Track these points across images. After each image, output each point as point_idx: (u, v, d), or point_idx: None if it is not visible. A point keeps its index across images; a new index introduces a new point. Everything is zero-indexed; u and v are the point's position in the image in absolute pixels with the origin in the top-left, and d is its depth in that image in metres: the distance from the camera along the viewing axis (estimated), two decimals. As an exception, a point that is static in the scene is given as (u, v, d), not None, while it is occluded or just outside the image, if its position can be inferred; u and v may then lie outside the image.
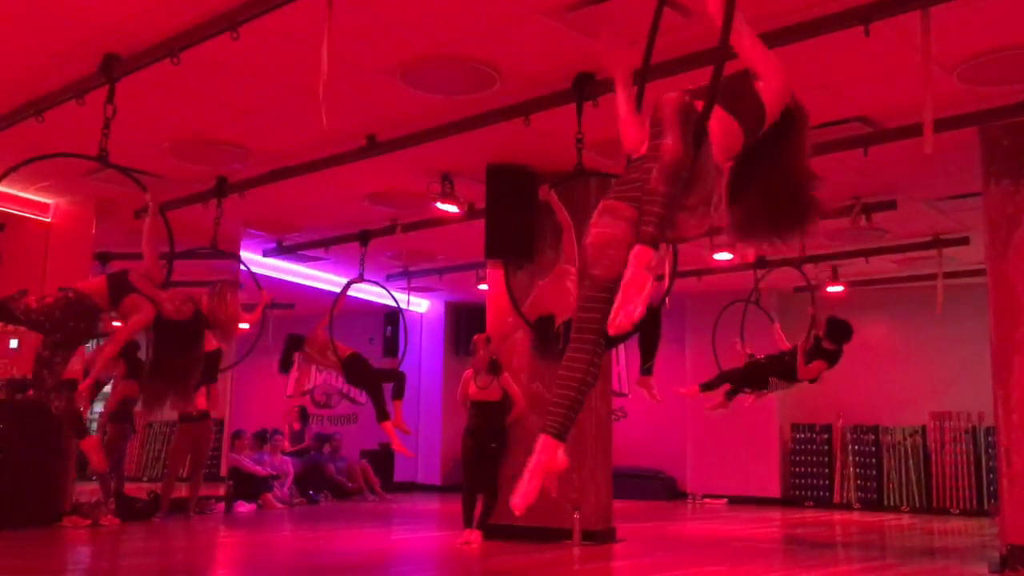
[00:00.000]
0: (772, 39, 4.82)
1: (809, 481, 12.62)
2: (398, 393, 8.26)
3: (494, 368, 7.42)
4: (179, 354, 5.44)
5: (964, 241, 9.33)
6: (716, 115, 2.56)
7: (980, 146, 6.44)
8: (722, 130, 2.60)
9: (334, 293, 8.99)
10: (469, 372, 7.57)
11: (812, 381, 8.17)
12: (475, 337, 7.66)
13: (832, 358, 7.84)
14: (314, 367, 14.59)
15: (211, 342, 7.90)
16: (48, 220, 8.88)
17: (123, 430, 9.16)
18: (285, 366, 8.79)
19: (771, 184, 2.81)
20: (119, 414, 9.09)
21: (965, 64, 5.49)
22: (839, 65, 5.56)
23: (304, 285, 11.88)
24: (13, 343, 8.76)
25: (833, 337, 7.83)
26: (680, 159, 2.30)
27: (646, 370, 6.20)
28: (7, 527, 7.41)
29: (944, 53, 5.21)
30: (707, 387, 9.29)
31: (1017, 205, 6.21)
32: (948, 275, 9.81)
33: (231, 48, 5.05)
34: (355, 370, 8.33)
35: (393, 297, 9.45)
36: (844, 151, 6.74)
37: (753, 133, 2.70)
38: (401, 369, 9.19)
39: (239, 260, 9.10)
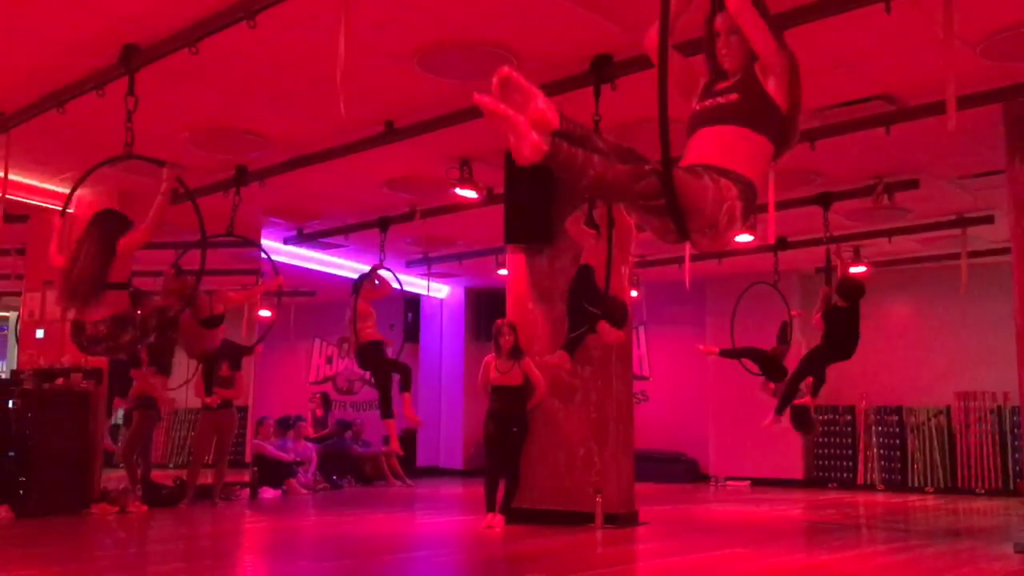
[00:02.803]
0: (793, 17, 4.78)
1: (833, 463, 12.57)
2: (405, 385, 8.26)
3: (515, 353, 7.43)
4: None
5: (988, 220, 9.22)
6: (751, 142, 2.70)
7: (1004, 123, 6.36)
8: (746, 151, 2.70)
9: (354, 280, 8.96)
10: (490, 357, 7.58)
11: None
12: (498, 321, 7.67)
13: (847, 317, 7.85)
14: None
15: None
16: (71, 211, 8.92)
17: (149, 417, 9.26)
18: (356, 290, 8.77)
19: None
20: (144, 402, 9.20)
21: (988, 40, 5.41)
22: (860, 43, 5.49)
23: (325, 272, 11.93)
24: (39, 333, 8.87)
25: (844, 294, 7.90)
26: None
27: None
28: (37, 515, 7.52)
29: (967, 29, 5.14)
30: (727, 354, 9.36)
31: (1042, 182, 6.14)
32: (972, 254, 9.72)
33: (249, 37, 5.07)
34: (368, 357, 8.35)
35: (398, 279, 9.33)
36: (866, 130, 6.68)
37: (777, 135, 2.76)
38: (405, 362, 9.11)
39: (257, 247, 9.15)
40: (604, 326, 6.07)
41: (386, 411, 8.07)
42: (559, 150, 2.29)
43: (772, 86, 2.74)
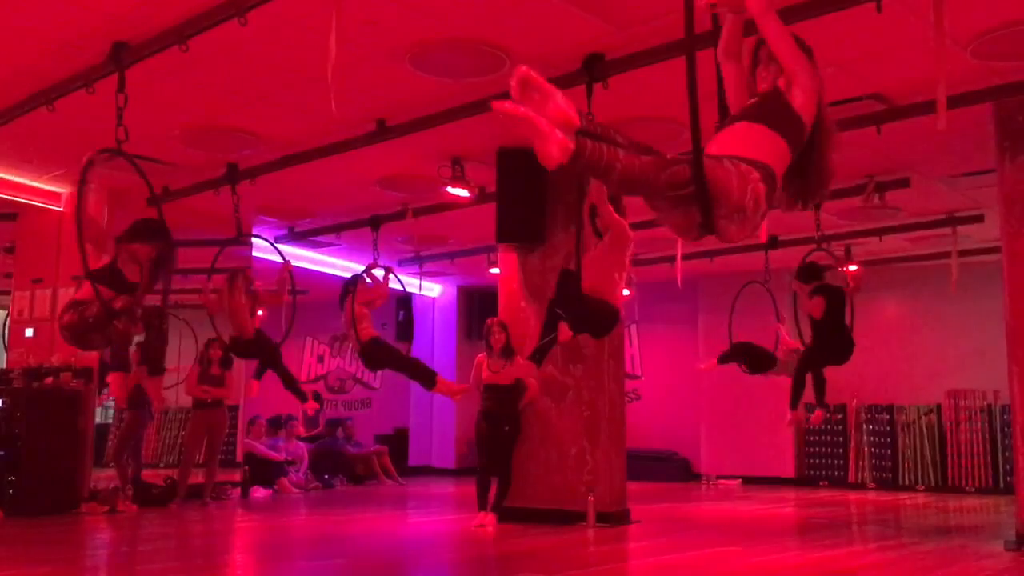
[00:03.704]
0: (784, 16, 4.76)
1: (824, 461, 12.60)
2: (429, 372, 8.03)
3: (507, 352, 7.43)
4: None
5: (979, 219, 9.26)
6: (765, 135, 2.71)
7: (994, 122, 6.38)
8: (762, 145, 2.69)
9: (347, 279, 8.90)
10: (481, 356, 7.58)
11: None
12: (489, 320, 7.66)
13: (830, 315, 7.83)
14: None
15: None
16: (60, 209, 8.91)
17: (140, 417, 9.23)
18: (342, 304, 8.59)
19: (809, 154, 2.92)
20: (136, 401, 9.16)
21: (979, 39, 5.43)
22: (851, 42, 5.50)
23: (317, 271, 11.90)
24: (29, 332, 8.83)
25: (803, 278, 7.91)
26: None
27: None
28: (27, 514, 7.50)
29: (957, 28, 5.15)
30: (724, 360, 9.33)
31: (1032, 181, 6.16)
32: (963, 253, 9.75)
33: (239, 34, 5.05)
34: (372, 356, 8.23)
35: (399, 280, 9.34)
36: (857, 129, 6.68)
37: (796, 142, 2.78)
38: (413, 356, 8.92)
39: (252, 245, 9.10)
40: (562, 327, 6.06)
41: (428, 383, 7.84)
42: (584, 148, 2.26)
43: (797, 99, 2.76)
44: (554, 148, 2.23)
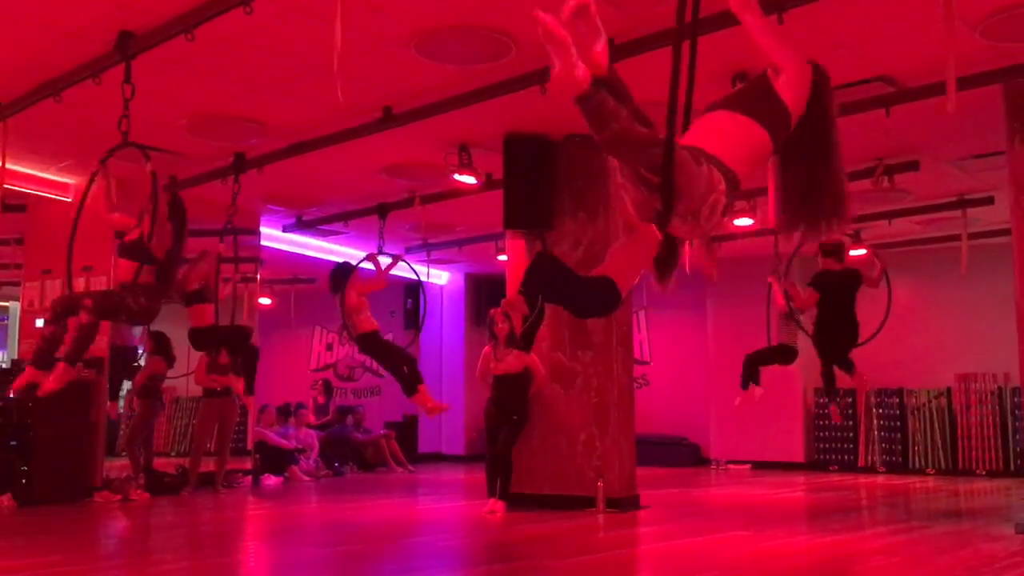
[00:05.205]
0: (792, -1, 4.75)
1: (834, 445, 12.58)
2: (416, 378, 8.03)
3: (513, 340, 7.43)
4: None
5: (989, 201, 9.21)
6: (744, 128, 2.67)
7: (1004, 104, 6.33)
8: (740, 141, 2.67)
9: (336, 266, 8.86)
10: (488, 349, 7.59)
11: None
12: (491, 311, 7.66)
13: (821, 287, 7.87)
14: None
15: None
16: (70, 200, 8.92)
17: (152, 406, 9.28)
18: (335, 288, 8.50)
19: (805, 164, 2.95)
20: (148, 390, 9.21)
21: (988, 20, 5.38)
22: (860, 24, 5.46)
23: (324, 259, 11.91)
24: (39, 322, 8.86)
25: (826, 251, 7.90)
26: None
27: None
28: (40, 503, 7.55)
29: (966, 9, 5.11)
30: (746, 383, 9.15)
31: (1043, 163, 6.12)
32: (973, 235, 9.70)
33: (245, 23, 5.04)
34: (367, 347, 8.24)
35: (413, 268, 9.39)
36: (866, 112, 6.64)
37: (780, 132, 2.74)
38: (411, 353, 8.82)
39: (260, 235, 9.11)
40: (516, 299, 6.01)
41: (409, 389, 7.88)
42: (597, 92, 2.25)
43: (780, 83, 2.74)
44: (573, 79, 2.21)
